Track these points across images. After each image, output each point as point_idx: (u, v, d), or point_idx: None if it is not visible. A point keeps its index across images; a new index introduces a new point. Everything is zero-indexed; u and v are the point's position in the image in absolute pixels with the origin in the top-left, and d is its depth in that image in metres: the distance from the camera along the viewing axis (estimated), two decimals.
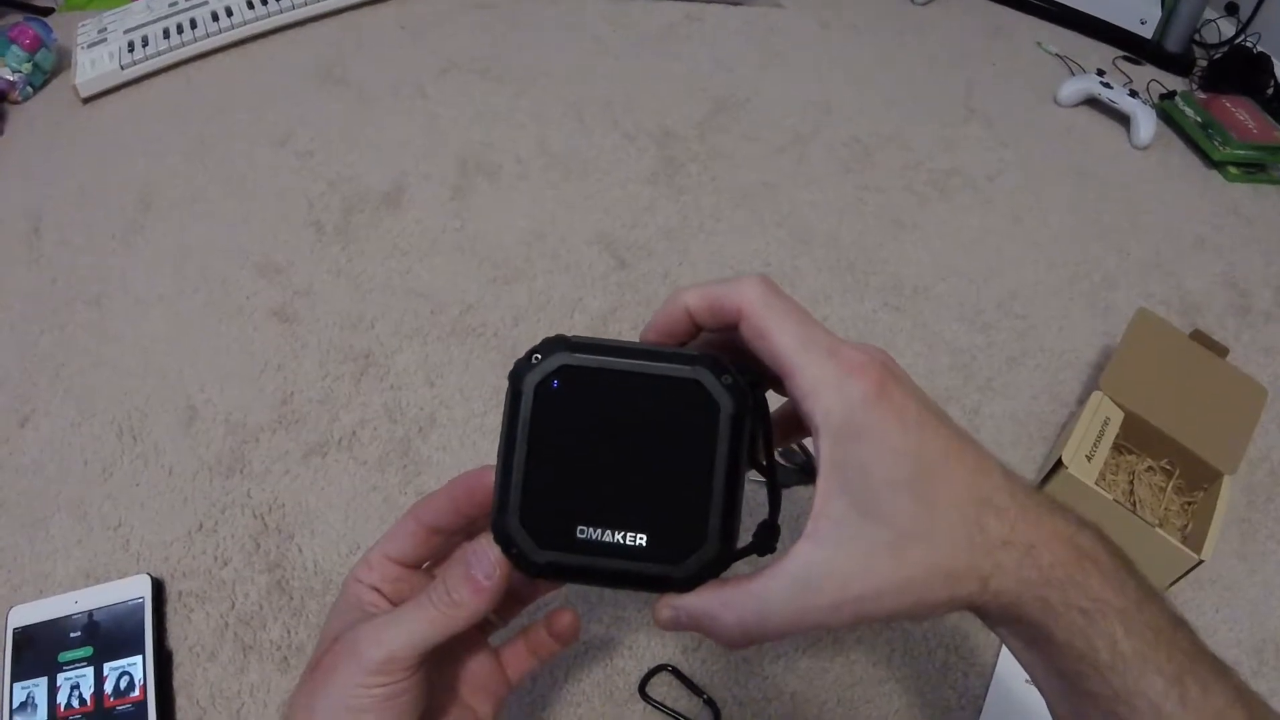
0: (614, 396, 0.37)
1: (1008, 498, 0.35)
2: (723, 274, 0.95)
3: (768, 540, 0.41)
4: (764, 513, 0.41)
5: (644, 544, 0.38)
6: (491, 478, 0.39)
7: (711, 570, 0.38)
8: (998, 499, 0.35)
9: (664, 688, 0.65)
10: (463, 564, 0.40)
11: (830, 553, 0.35)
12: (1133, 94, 1.25)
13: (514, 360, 0.38)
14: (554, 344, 0.37)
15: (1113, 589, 0.34)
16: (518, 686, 0.49)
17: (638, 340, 0.40)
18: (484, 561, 0.39)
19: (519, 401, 0.37)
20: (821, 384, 0.35)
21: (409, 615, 0.40)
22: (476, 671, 0.47)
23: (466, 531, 0.46)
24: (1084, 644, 0.34)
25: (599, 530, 0.38)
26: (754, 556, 0.40)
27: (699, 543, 0.38)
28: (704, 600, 0.38)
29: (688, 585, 0.38)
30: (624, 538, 0.38)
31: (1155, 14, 1.39)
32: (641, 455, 0.37)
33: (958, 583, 0.35)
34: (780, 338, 0.36)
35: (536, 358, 0.37)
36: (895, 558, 0.35)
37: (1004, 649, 0.68)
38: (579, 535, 0.38)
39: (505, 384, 0.38)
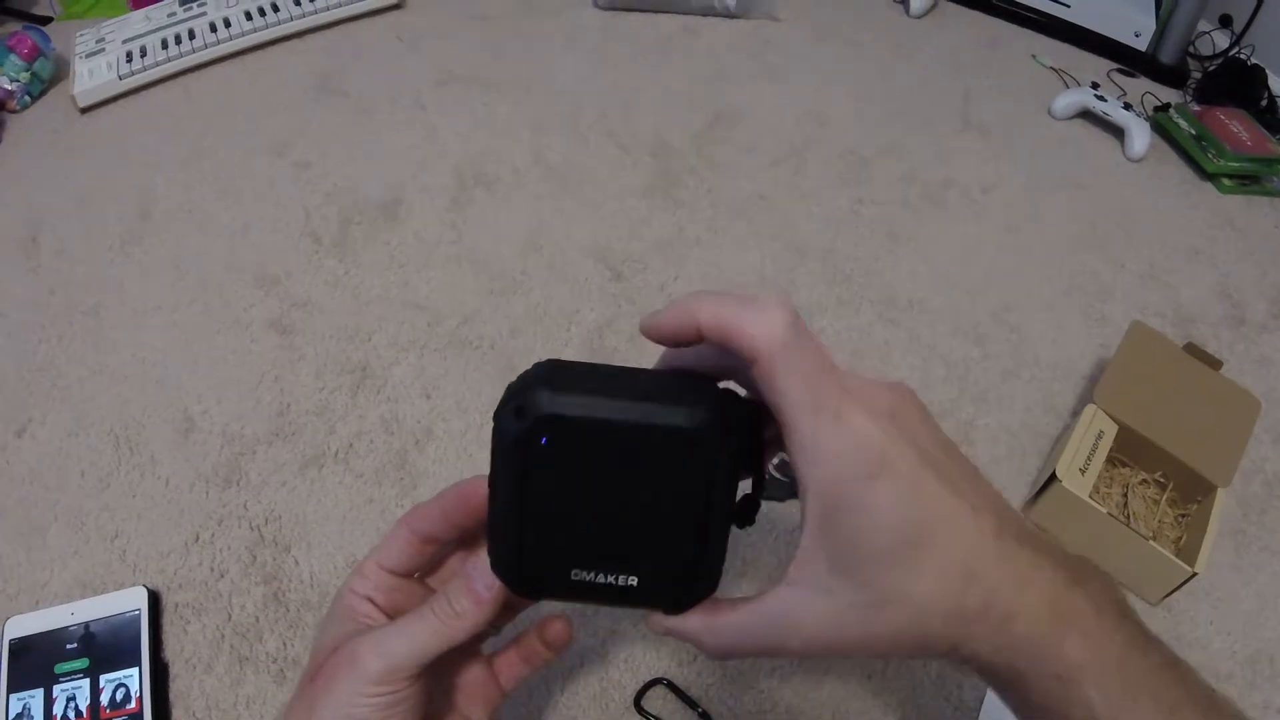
0: (603, 447, 0.36)
1: (994, 564, 0.34)
2: (719, 287, 0.95)
3: (748, 513, 0.41)
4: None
5: (635, 584, 0.39)
6: (482, 487, 0.40)
7: (699, 601, 0.40)
8: (983, 569, 0.34)
9: (659, 701, 0.65)
10: (464, 577, 0.41)
11: (805, 603, 0.36)
12: (1127, 106, 1.25)
13: (509, 379, 0.38)
14: (537, 387, 0.36)
15: (1091, 651, 0.34)
16: (510, 694, 0.50)
17: (629, 364, 0.39)
18: (484, 574, 0.40)
19: (507, 457, 0.37)
20: (820, 453, 0.34)
21: (410, 626, 0.41)
22: (470, 680, 0.48)
23: (459, 540, 0.47)
24: (1059, 707, 0.34)
25: (591, 573, 0.39)
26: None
27: (688, 583, 0.40)
28: (690, 625, 0.40)
29: (677, 612, 0.40)
30: (616, 579, 0.39)
31: (1150, 26, 1.40)
32: (632, 501, 0.37)
33: (929, 645, 0.35)
34: (788, 397, 0.34)
35: (521, 410, 0.36)
36: (868, 618, 0.35)
37: None
38: (572, 577, 0.39)
39: (502, 394, 0.38)
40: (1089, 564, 0.37)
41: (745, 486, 0.40)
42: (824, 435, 0.34)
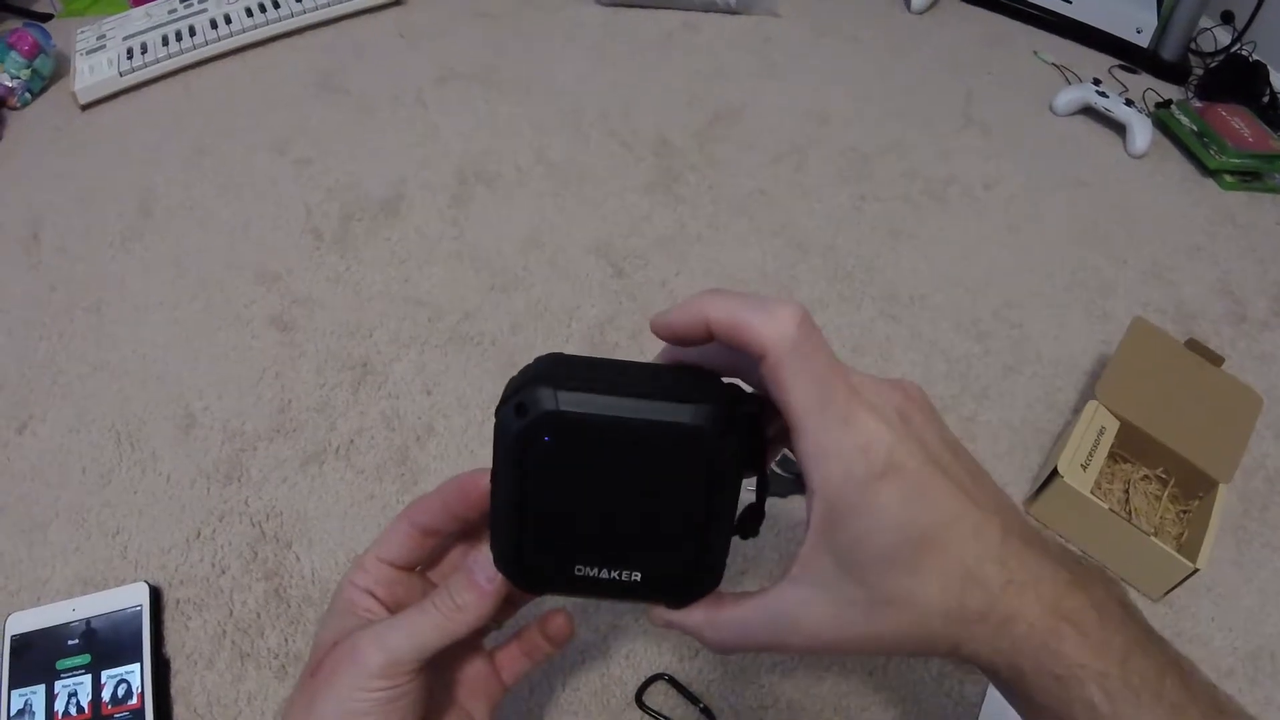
0: (605, 444, 0.36)
1: (997, 566, 0.34)
2: (720, 283, 0.96)
3: (752, 524, 0.41)
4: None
5: (638, 579, 0.39)
6: (483, 480, 0.40)
7: (702, 595, 0.40)
8: (986, 571, 0.34)
9: (660, 696, 0.65)
10: (466, 570, 0.41)
11: (808, 600, 0.36)
12: (1129, 103, 1.25)
13: (510, 375, 0.38)
14: (539, 384, 0.36)
15: (1092, 651, 0.34)
16: (512, 688, 0.50)
17: (632, 357, 0.39)
18: (486, 567, 0.41)
19: (508, 454, 0.37)
20: (826, 453, 0.34)
21: (411, 620, 0.41)
22: (472, 674, 0.48)
23: (460, 533, 0.47)
24: (1060, 706, 0.34)
25: (595, 569, 0.39)
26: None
27: (691, 577, 0.39)
28: (693, 619, 0.40)
29: (680, 606, 0.40)
30: (619, 574, 0.39)
31: (1151, 23, 1.40)
32: (635, 497, 0.37)
33: (930, 645, 0.35)
34: (796, 396, 0.34)
35: (523, 407, 0.36)
36: (869, 617, 0.35)
37: None
38: (575, 572, 0.39)
39: (503, 390, 0.38)
40: (1093, 567, 0.37)
41: (749, 484, 0.40)
42: (831, 435, 0.34)
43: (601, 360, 0.38)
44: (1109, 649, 0.34)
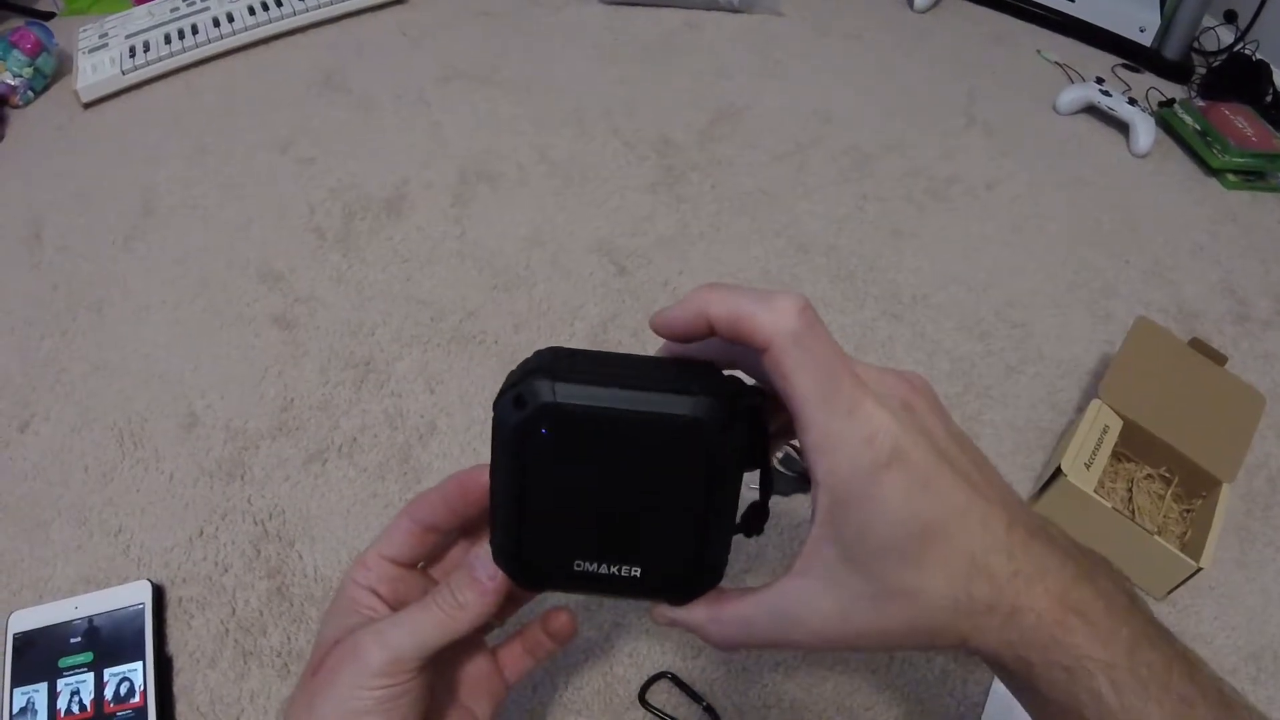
0: (605, 437, 0.36)
1: (1004, 558, 0.34)
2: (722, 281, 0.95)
3: (756, 523, 0.41)
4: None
5: (639, 575, 0.39)
6: (483, 476, 0.40)
7: (704, 592, 0.40)
8: (993, 561, 0.34)
9: (664, 695, 0.65)
10: (467, 568, 0.41)
11: (813, 594, 0.36)
12: (1132, 102, 1.25)
13: (509, 371, 0.37)
14: (537, 376, 0.35)
15: (1100, 643, 0.34)
16: (514, 687, 0.50)
17: (633, 352, 0.39)
18: (487, 565, 0.40)
19: (506, 447, 0.37)
20: (831, 443, 0.34)
21: (413, 617, 0.41)
22: (474, 673, 0.48)
23: (461, 530, 0.47)
24: (1068, 698, 0.34)
25: (594, 564, 0.39)
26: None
27: (692, 573, 0.39)
28: (694, 615, 0.40)
29: (682, 602, 0.40)
30: (619, 570, 0.39)
31: (1154, 22, 1.39)
32: (635, 491, 0.37)
33: (937, 638, 0.35)
34: (800, 386, 0.33)
35: (520, 399, 0.35)
36: (876, 610, 0.35)
37: None
38: (575, 568, 0.39)
39: (502, 385, 0.37)
40: (1099, 557, 0.37)
41: (750, 481, 0.40)
42: (836, 426, 0.33)
43: (601, 353, 0.38)
44: (1116, 640, 0.34)
